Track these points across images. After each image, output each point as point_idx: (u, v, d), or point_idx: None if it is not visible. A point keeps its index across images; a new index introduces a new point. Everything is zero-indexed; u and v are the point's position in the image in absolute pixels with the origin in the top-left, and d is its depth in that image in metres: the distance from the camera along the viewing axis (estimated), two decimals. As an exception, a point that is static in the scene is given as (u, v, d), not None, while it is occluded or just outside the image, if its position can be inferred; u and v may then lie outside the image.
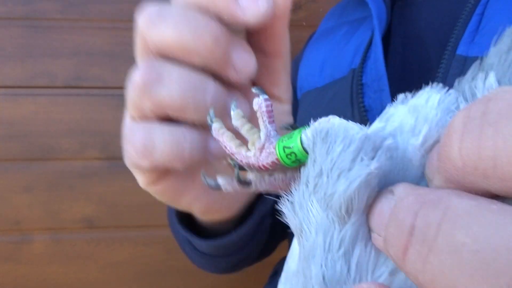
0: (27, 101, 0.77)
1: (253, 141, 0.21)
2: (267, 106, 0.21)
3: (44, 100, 0.77)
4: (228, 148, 0.22)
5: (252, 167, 0.21)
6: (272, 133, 0.21)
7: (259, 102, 0.21)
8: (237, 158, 0.21)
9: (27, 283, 0.81)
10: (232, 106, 0.23)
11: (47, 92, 0.77)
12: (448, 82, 0.30)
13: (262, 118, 0.21)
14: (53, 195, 0.79)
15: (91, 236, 0.81)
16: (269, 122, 0.21)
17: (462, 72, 0.32)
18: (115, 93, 0.78)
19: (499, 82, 0.18)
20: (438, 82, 0.19)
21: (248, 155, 0.21)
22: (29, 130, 0.77)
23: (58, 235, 0.80)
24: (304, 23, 0.81)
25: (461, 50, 0.33)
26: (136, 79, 0.24)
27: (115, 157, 0.79)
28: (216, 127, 0.23)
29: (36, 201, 0.79)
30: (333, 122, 0.18)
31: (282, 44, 0.29)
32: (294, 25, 0.81)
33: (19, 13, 0.75)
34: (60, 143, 0.78)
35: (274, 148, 0.20)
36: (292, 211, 0.18)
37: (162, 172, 0.26)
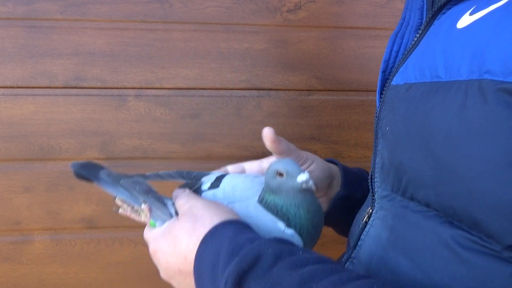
0: (27, 101, 0.77)
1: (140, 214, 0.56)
2: (148, 208, 0.52)
3: (44, 100, 0.77)
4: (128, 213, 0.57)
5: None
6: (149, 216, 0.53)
7: (144, 207, 0.53)
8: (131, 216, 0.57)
9: (27, 283, 0.81)
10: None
11: (47, 92, 0.77)
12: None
13: (146, 213, 0.54)
14: (53, 195, 0.79)
15: (91, 236, 0.81)
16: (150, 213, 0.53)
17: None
18: (115, 93, 0.78)
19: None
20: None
21: (135, 217, 0.57)
22: (29, 130, 0.77)
23: (58, 235, 0.80)
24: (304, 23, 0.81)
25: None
26: None
27: (115, 157, 0.79)
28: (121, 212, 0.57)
29: (36, 201, 0.79)
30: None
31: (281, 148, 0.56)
32: (294, 25, 0.82)
33: (19, 13, 0.75)
34: (60, 143, 0.78)
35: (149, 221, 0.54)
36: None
37: None
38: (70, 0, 0.76)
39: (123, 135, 0.79)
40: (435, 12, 0.47)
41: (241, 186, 0.53)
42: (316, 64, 0.82)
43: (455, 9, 0.43)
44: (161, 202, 0.51)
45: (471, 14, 0.38)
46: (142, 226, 0.82)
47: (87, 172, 0.52)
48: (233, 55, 0.80)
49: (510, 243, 0.32)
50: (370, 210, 0.48)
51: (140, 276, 0.83)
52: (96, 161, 0.54)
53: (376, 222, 0.46)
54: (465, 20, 0.38)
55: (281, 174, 0.48)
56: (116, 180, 0.52)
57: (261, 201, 0.50)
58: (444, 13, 0.46)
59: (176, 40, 0.79)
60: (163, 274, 0.49)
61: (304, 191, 0.48)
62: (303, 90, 0.83)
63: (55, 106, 0.77)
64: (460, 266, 0.36)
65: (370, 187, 0.49)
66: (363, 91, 0.84)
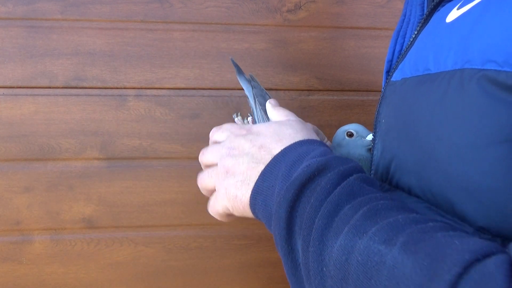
0: (27, 101, 0.77)
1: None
2: (252, 121, 0.62)
3: (44, 100, 0.77)
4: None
5: None
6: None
7: (250, 120, 0.63)
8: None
9: (27, 283, 0.81)
10: (235, 117, 0.65)
11: (47, 92, 0.77)
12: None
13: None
14: (53, 195, 0.79)
15: (91, 236, 0.81)
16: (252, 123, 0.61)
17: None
18: (115, 93, 0.78)
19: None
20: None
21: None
22: (29, 130, 0.77)
23: (58, 235, 0.80)
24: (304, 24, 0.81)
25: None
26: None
27: (115, 157, 0.79)
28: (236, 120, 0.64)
29: (36, 201, 0.79)
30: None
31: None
32: (294, 25, 0.82)
33: (19, 13, 0.75)
34: (60, 143, 0.78)
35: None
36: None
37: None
38: (70, 0, 0.76)
39: (123, 135, 0.79)
40: (431, 9, 0.48)
41: None
42: (316, 64, 0.82)
43: (449, 5, 0.45)
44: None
45: (458, 8, 0.40)
46: (141, 226, 0.82)
47: (239, 67, 0.66)
48: (233, 55, 0.80)
49: (481, 225, 0.34)
50: None
51: (140, 276, 0.83)
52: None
53: None
54: (453, 14, 0.40)
55: (350, 135, 0.53)
56: (251, 86, 0.64)
57: None
58: (439, 10, 0.47)
59: (176, 40, 0.79)
60: (228, 145, 0.49)
61: (369, 150, 0.54)
62: (303, 90, 0.83)
63: (55, 106, 0.77)
64: None
65: None
66: (363, 91, 0.84)
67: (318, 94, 0.83)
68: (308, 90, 0.83)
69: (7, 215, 0.79)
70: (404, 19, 0.53)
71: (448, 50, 0.37)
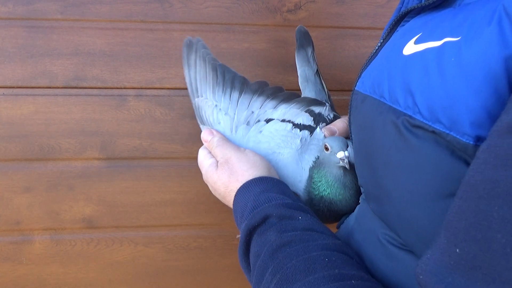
0: (27, 101, 0.77)
1: None
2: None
3: (44, 100, 0.77)
4: None
5: None
6: None
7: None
8: None
9: (27, 283, 0.81)
10: None
11: (47, 92, 0.77)
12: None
13: None
14: (53, 195, 0.79)
15: (91, 236, 0.81)
16: None
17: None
18: (115, 93, 0.78)
19: None
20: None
21: None
22: (29, 130, 0.77)
23: (58, 235, 0.80)
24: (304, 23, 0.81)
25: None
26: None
27: (115, 157, 0.79)
28: None
29: (36, 201, 0.79)
30: None
31: None
32: (294, 25, 0.82)
33: (19, 13, 0.75)
34: (60, 143, 0.78)
35: None
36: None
37: None
38: (70, 0, 0.76)
39: (123, 135, 0.79)
40: (397, 20, 0.49)
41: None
42: (316, 64, 0.82)
43: (413, 23, 0.46)
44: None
45: (415, 42, 0.41)
46: (141, 226, 0.82)
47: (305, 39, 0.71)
48: (233, 55, 0.80)
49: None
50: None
51: (140, 276, 0.83)
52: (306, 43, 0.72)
53: (354, 212, 0.53)
54: (410, 48, 0.41)
55: (327, 149, 0.53)
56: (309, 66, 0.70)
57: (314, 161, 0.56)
58: (408, 21, 0.48)
59: (176, 40, 0.79)
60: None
61: (344, 168, 0.52)
62: (303, 90, 0.82)
63: (55, 106, 0.77)
64: (386, 259, 0.43)
65: None
66: (363, 91, 0.84)
67: (318, 94, 0.83)
68: (308, 90, 0.83)
69: (7, 215, 0.79)
70: (401, 8, 0.52)
71: (401, 89, 0.39)
